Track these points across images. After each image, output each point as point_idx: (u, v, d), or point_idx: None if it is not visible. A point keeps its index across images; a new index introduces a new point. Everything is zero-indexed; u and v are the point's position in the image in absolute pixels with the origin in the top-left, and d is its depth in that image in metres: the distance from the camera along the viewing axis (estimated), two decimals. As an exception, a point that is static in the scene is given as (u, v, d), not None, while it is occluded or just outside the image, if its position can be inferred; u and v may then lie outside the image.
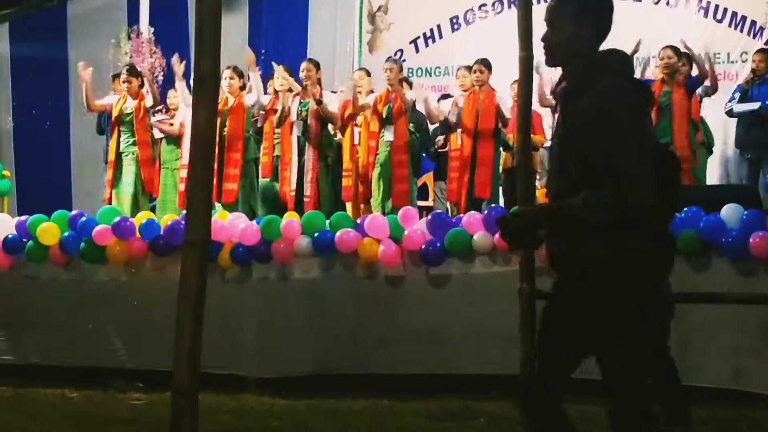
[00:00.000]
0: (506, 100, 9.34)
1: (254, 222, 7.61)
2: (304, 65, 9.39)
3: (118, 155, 9.59)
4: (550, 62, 3.44)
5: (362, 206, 9.32)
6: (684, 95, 8.89)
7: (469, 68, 9.44)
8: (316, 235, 7.32)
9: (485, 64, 9.28)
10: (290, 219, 7.50)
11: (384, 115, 9.18)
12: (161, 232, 7.59)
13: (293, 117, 9.23)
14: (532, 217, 3.36)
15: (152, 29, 12.03)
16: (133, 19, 12.22)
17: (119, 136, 9.60)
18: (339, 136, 9.79)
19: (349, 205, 9.37)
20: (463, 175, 9.11)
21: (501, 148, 9.52)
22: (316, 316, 7.33)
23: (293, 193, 9.16)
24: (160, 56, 11.71)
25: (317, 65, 9.42)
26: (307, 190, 9.13)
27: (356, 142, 9.47)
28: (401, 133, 9.19)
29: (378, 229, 7.24)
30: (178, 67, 9.37)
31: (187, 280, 3.40)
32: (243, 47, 12.25)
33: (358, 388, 6.90)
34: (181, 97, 9.42)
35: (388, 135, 9.18)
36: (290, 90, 9.40)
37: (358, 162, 9.38)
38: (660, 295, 4.60)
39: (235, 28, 12.18)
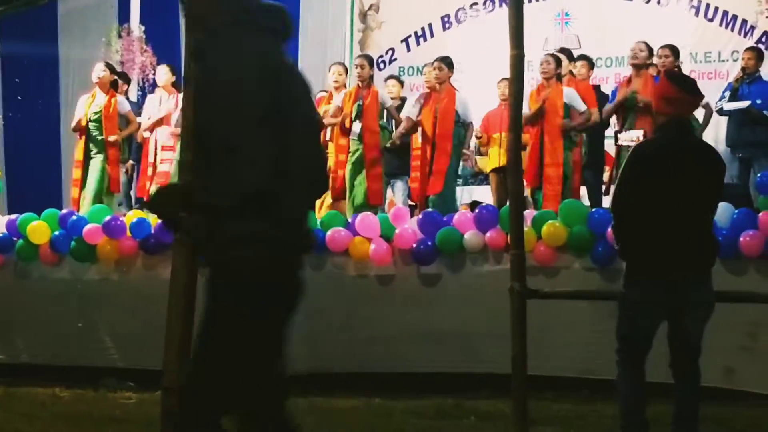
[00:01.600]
0: (468, 101, 9.22)
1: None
2: None
3: (87, 154, 9.51)
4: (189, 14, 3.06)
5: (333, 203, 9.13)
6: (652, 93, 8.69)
7: (433, 64, 9.25)
8: (307, 233, 7.30)
9: (446, 62, 9.04)
10: (281, 218, 7.49)
11: (354, 113, 8.97)
12: (152, 231, 7.58)
13: None
14: (169, 196, 2.95)
15: (143, 28, 12.00)
16: (124, 17, 12.19)
17: (88, 134, 9.52)
18: None
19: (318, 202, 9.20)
20: (424, 174, 8.88)
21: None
22: (307, 315, 7.25)
23: None
24: (150, 55, 11.69)
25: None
26: None
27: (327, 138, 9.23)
28: (373, 131, 8.99)
29: (369, 228, 7.24)
30: None
31: (178, 278, 3.40)
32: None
33: (349, 387, 6.91)
34: None
35: (356, 127, 8.93)
36: None
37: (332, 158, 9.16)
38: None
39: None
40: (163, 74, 9.79)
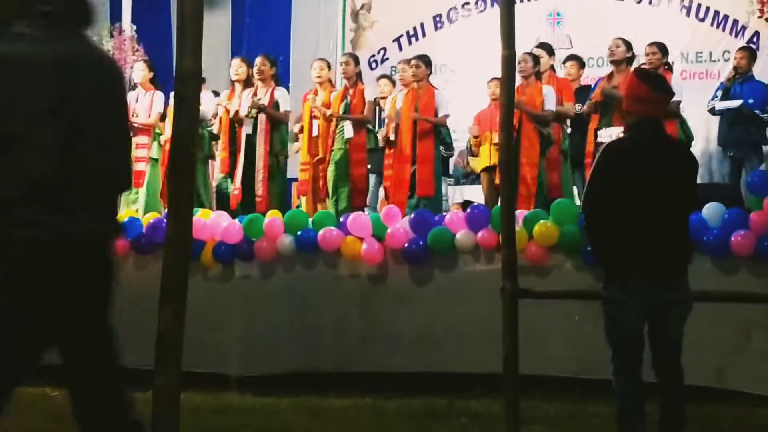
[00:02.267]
0: (447, 100, 9.17)
1: (236, 220, 7.60)
2: (258, 60, 9.10)
3: None
4: None
5: (319, 205, 9.08)
6: None
7: (408, 62, 9.22)
8: (298, 233, 7.31)
9: (424, 60, 8.99)
10: (273, 217, 7.49)
11: (341, 112, 8.94)
12: (143, 231, 7.57)
13: (242, 114, 8.97)
14: None
15: (135, 27, 11.97)
16: (116, 16, 12.16)
17: None
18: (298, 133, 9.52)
19: (303, 201, 9.16)
20: (402, 172, 8.81)
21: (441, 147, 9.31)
22: (299, 314, 7.32)
23: (237, 192, 8.88)
24: (142, 54, 11.67)
25: (273, 62, 9.20)
26: (259, 189, 8.83)
27: (315, 134, 9.24)
28: (360, 131, 8.98)
29: (361, 227, 7.24)
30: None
31: (169, 278, 3.40)
32: (226, 46, 12.23)
33: (340, 387, 6.90)
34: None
35: (348, 131, 8.90)
36: (248, 83, 9.23)
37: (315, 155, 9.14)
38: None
39: (217, 27, 12.14)
40: (140, 71, 9.78)
